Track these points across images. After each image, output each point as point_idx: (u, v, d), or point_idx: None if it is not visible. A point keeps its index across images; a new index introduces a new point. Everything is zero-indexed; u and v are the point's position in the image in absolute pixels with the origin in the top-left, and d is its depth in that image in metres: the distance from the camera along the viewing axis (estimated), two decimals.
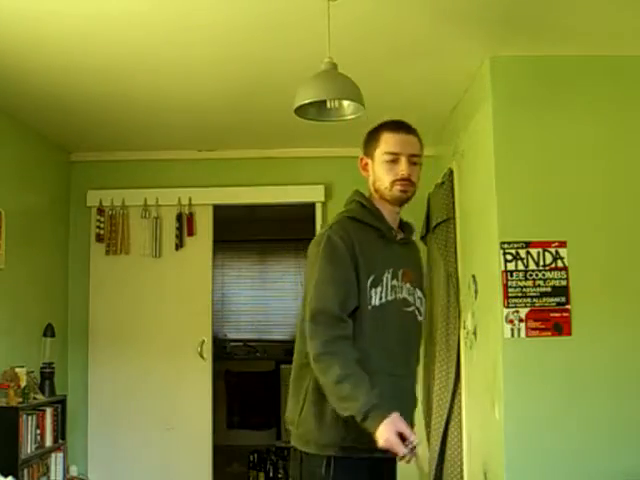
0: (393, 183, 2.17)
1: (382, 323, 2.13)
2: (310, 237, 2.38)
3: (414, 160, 2.20)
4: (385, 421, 1.92)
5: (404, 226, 2.33)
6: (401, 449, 1.93)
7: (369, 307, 2.11)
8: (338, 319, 2.04)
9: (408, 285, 2.23)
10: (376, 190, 2.24)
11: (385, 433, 1.91)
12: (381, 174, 2.20)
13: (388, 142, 2.20)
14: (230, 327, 8.25)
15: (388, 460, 2.14)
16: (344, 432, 2.06)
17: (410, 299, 2.24)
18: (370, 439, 1.96)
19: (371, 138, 2.26)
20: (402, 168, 2.16)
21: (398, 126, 2.23)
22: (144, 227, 5.25)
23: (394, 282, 2.16)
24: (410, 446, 1.93)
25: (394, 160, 2.17)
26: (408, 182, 2.17)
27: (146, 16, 3.08)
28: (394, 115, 4.56)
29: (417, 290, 2.27)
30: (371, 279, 2.11)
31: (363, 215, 2.22)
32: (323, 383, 2.03)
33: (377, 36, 3.32)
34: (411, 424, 2.18)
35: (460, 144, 4.23)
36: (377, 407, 1.94)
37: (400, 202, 2.22)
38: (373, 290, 2.11)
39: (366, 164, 2.27)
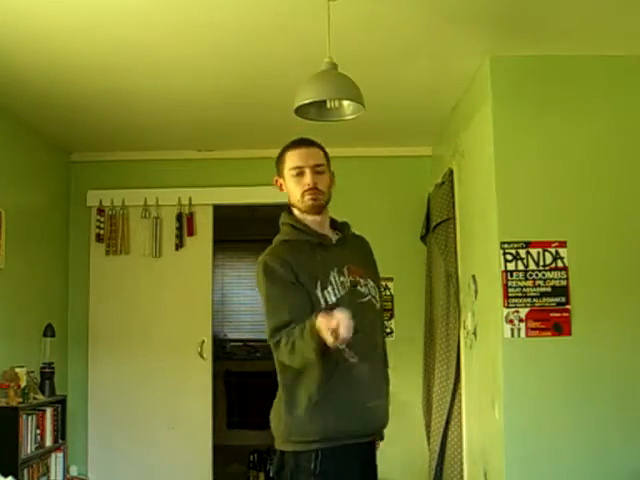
0: (303, 194, 2.34)
1: None
2: None
3: (318, 169, 2.35)
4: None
5: (339, 225, 2.49)
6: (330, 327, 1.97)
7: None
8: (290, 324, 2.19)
9: (358, 278, 2.36)
10: (293, 205, 2.41)
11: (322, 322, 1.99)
12: (292, 188, 2.38)
13: (292, 159, 2.37)
14: (230, 327, 8.24)
15: (369, 444, 2.33)
16: (325, 421, 2.19)
17: (364, 290, 2.36)
18: (352, 425, 2.20)
19: (279, 160, 2.43)
20: (307, 179, 2.33)
21: (298, 143, 2.40)
22: (144, 227, 5.25)
23: (342, 279, 2.31)
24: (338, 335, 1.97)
25: (299, 173, 2.34)
26: (315, 190, 2.33)
27: (147, 16, 3.09)
28: (394, 115, 4.59)
29: (368, 280, 2.40)
30: (319, 284, 2.26)
31: (294, 235, 2.38)
32: (292, 364, 2.18)
33: (377, 36, 3.32)
34: (387, 405, 2.35)
35: (460, 144, 4.23)
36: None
37: (316, 210, 2.37)
38: (325, 292, 2.26)
39: (281, 184, 2.44)
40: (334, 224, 2.48)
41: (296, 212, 2.41)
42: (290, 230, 2.40)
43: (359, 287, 2.35)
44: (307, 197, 2.33)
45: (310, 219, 2.38)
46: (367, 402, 2.27)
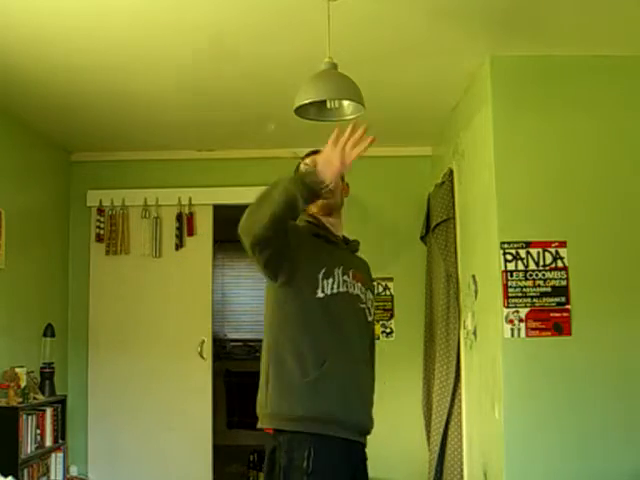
0: None
1: (336, 311, 2.29)
2: None
3: None
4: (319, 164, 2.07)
5: (349, 242, 2.54)
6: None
7: (320, 294, 2.26)
8: None
9: (360, 285, 2.40)
10: (307, 209, 2.43)
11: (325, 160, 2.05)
12: None
13: (306, 164, 2.47)
14: (230, 327, 8.25)
15: (361, 448, 2.32)
16: (313, 400, 2.18)
17: (362, 297, 2.41)
18: (341, 411, 2.19)
19: (296, 170, 2.51)
20: None
21: (312, 152, 2.49)
22: (144, 227, 5.25)
23: (345, 277, 2.34)
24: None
25: None
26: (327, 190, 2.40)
27: (146, 15, 3.09)
28: (394, 114, 4.59)
29: (368, 292, 2.46)
30: (323, 271, 2.29)
31: (309, 229, 2.41)
32: (250, 211, 2.27)
33: (377, 36, 3.32)
34: (370, 407, 2.35)
35: (460, 144, 4.23)
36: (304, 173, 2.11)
37: (327, 210, 2.43)
38: (325, 281, 2.29)
39: None
40: (346, 239, 2.53)
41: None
42: (306, 225, 2.42)
43: (360, 293, 2.39)
44: None
45: (323, 219, 2.44)
46: (356, 398, 2.28)
